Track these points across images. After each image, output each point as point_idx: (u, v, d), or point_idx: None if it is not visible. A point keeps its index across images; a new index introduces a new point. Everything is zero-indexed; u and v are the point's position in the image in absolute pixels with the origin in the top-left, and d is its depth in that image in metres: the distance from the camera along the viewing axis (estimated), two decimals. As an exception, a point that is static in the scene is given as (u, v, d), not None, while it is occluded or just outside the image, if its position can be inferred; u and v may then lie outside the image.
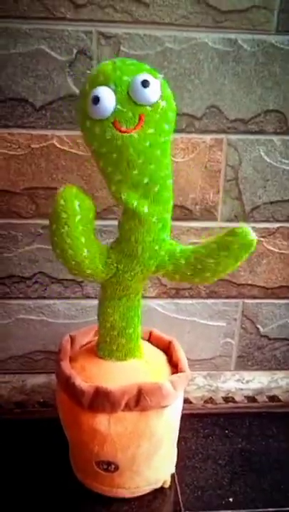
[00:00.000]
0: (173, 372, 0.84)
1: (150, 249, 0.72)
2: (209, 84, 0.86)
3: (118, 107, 0.64)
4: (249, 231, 0.68)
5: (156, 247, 0.72)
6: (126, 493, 0.85)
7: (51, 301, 1.00)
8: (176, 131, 0.87)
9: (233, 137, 0.90)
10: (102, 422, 0.76)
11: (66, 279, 0.98)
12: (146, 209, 0.68)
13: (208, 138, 0.90)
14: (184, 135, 0.89)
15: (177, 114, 0.81)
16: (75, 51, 0.83)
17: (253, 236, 0.68)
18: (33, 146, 0.88)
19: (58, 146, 0.88)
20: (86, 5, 0.81)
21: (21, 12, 0.80)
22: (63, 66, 0.83)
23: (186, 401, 1.01)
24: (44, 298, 1.00)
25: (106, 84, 0.64)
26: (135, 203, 0.68)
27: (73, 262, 0.70)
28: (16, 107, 0.85)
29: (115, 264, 0.74)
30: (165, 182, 0.69)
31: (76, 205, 0.66)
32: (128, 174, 0.67)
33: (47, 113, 0.86)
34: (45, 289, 0.99)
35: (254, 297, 1.03)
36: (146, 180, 0.67)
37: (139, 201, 0.68)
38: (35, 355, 1.04)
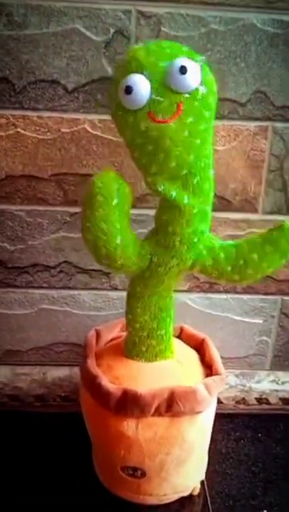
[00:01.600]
0: (206, 374, 0.87)
1: (188, 241, 0.74)
2: (256, 68, 0.90)
3: (153, 96, 0.64)
4: None
5: (195, 240, 0.74)
6: (152, 501, 0.88)
7: (76, 292, 1.07)
8: (218, 117, 0.89)
9: (279, 125, 0.94)
10: (129, 426, 0.79)
11: (93, 270, 1.04)
12: (186, 199, 0.70)
13: (252, 125, 0.94)
14: (226, 122, 0.94)
15: (220, 100, 0.85)
16: (112, 31, 0.87)
17: None
18: (63, 130, 0.93)
19: (90, 130, 0.93)
20: (125, -19, 0.84)
21: (56, -11, 0.84)
22: (99, 47, 0.88)
23: (217, 401, 1.00)
24: (69, 288, 1.06)
25: (139, 71, 0.65)
26: (174, 194, 0.70)
27: (104, 250, 0.71)
28: (47, 88, 0.90)
29: (149, 256, 0.76)
30: (205, 173, 0.70)
31: (114, 188, 0.69)
32: (165, 166, 0.68)
33: (79, 96, 0.91)
34: (70, 279, 1.05)
35: (294, 294, 1.08)
36: (184, 172, 0.69)
37: (178, 192, 0.70)
38: (57, 346, 1.11)
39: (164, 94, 0.65)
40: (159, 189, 0.70)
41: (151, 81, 0.65)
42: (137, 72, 0.65)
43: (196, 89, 0.65)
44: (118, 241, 0.71)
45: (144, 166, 0.70)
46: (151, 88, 0.65)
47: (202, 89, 0.66)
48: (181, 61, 0.64)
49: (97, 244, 0.71)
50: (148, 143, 0.67)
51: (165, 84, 0.65)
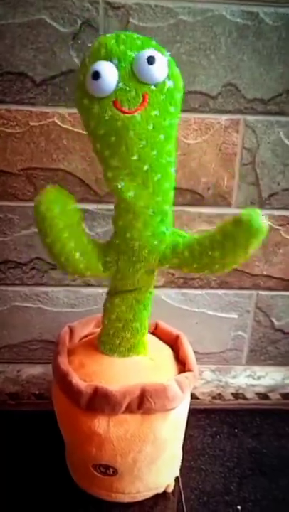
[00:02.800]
0: (180, 370, 0.86)
1: (149, 244, 0.74)
2: (226, 60, 0.89)
3: (120, 84, 0.64)
4: (256, 216, 0.66)
5: (156, 242, 0.74)
6: (125, 498, 0.88)
7: (49, 289, 1.05)
8: (189, 110, 0.91)
9: (250, 118, 0.93)
10: (100, 424, 0.78)
11: (66, 266, 1.03)
12: (142, 201, 0.70)
13: (223, 118, 0.93)
14: (197, 115, 0.92)
15: (190, 93, 0.84)
16: (79, 22, 0.85)
17: (261, 221, 0.66)
18: (32, 123, 0.91)
19: (60, 124, 0.92)
20: (92, -29, 0.83)
21: (21, -22, 0.83)
22: (66, 38, 0.86)
23: (193, 396, 1.04)
24: (41, 285, 1.05)
25: (108, 58, 0.64)
26: (132, 194, 0.69)
27: (70, 269, 0.73)
28: (14, 81, 0.89)
29: (115, 262, 0.77)
30: (167, 170, 0.70)
31: (57, 212, 0.67)
32: (127, 160, 0.67)
33: (48, 89, 0.89)
34: (43, 276, 1.04)
35: (269, 289, 1.08)
36: (146, 168, 0.68)
37: (136, 192, 0.69)
38: (31, 344, 1.10)
39: (131, 84, 0.65)
40: (119, 186, 0.69)
41: (119, 69, 0.64)
42: (105, 59, 0.65)
43: (163, 82, 0.65)
44: (77, 257, 0.72)
45: (105, 159, 0.69)
46: (119, 76, 0.65)
47: (169, 83, 0.66)
48: (150, 52, 0.64)
49: (59, 262, 0.73)
50: (111, 134, 0.67)
51: (132, 74, 0.65)
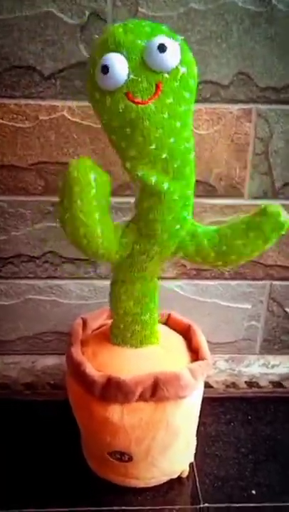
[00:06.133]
0: (193, 359, 0.85)
1: (170, 228, 0.72)
2: (238, 48, 0.85)
3: (131, 76, 0.62)
4: (281, 211, 0.68)
5: (177, 227, 0.72)
6: (140, 484, 0.88)
7: (62, 282, 1.03)
8: (200, 100, 0.88)
9: (263, 107, 0.90)
10: (114, 412, 0.78)
11: (78, 259, 1.01)
12: (166, 185, 0.67)
13: (235, 108, 0.90)
14: (208, 105, 0.89)
15: (201, 82, 0.80)
16: (87, 14, 0.82)
17: (286, 217, 0.68)
18: (41, 117, 0.88)
19: (69, 117, 0.89)
20: None
21: None
22: (74, 30, 0.83)
23: (207, 385, 1.01)
24: (55, 278, 1.03)
25: (117, 50, 0.62)
26: (154, 179, 0.66)
27: (85, 241, 0.68)
28: (23, 75, 0.85)
29: (131, 245, 0.74)
30: (186, 156, 0.67)
31: (91, 177, 0.65)
32: (144, 149, 0.65)
33: (57, 82, 0.86)
34: (56, 269, 1.02)
35: (283, 279, 1.05)
36: (164, 155, 0.65)
37: (158, 177, 0.67)
38: (46, 335, 1.08)
39: (143, 74, 0.62)
40: (139, 174, 0.67)
41: (129, 60, 0.61)
42: (114, 51, 0.62)
43: (176, 69, 0.62)
44: (99, 231, 0.68)
45: (122, 150, 0.67)
46: (129, 68, 0.62)
47: (182, 69, 0.62)
48: (160, 39, 0.61)
49: (77, 234, 0.67)
50: (126, 125, 0.64)
51: (144, 64, 0.62)
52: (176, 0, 0.81)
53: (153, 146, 0.64)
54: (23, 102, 0.87)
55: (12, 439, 1.01)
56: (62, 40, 0.83)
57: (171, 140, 0.65)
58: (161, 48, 0.60)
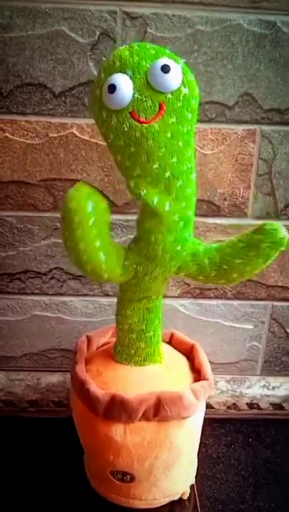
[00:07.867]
0: (195, 379, 0.81)
1: (171, 249, 0.69)
2: (243, 70, 0.82)
3: (136, 95, 0.60)
4: (279, 228, 0.65)
5: (178, 248, 0.69)
6: (142, 505, 0.83)
7: (68, 298, 0.98)
8: (206, 121, 0.85)
9: (267, 128, 0.86)
10: (117, 431, 0.74)
11: (84, 276, 0.95)
12: (167, 207, 0.65)
13: (240, 129, 0.86)
14: (213, 125, 0.85)
15: (207, 103, 0.77)
16: (97, 33, 0.79)
17: (284, 233, 0.64)
18: (51, 134, 0.85)
19: (78, 135, 0.85)
20: (110, -18, 0.77)
21: (41, -10, 0.77)
22: (85, 49, 0.80)
23: (208, 406, 0.97)
24: (61, 294, 0.98)
25: (123, 71, 0.61)
26: (156, 200, 0.64)
27: (89, 268, 0.67)
28: (34, 92, 0.83)
29: (134, 267, 0.71)
30: (188, 176, 0.65)
31: (89, 207, 0.63)
32: (148, 168, 0.63)
33: (67, 100, 0.83)
34: (62, 286, 0.97)
35: (284, 299, 0.99)
36: (167, 175, 0.63)
37: (160, 198, 0.64)
38: (51, 353, 1.03)
39: (147, 94, 0.61)
40: (142, 193, 0.64)
41: (134, 80, 0.60)
42: (120, 71, 0.61)
43: (179, 89, 0.61)
44: (101, 258, 0.67)
45: (127, 169, 0.65)
46: (134, 88, 0.61)
47: (184, 90, 0.62)
48: (164, 61, 0.61)
49: (80, 261, 0.67)
50: (131, 144, 0.62)
51: (148, 84, 0.61)
52: (184, 21, 0.79)
53: (156, 165, 0.63)
54: (33, 118, 0.84)
55: (15, 456, 0.96)
56: (72, 58, 0.81)
57: (174, 160, 0.63)
58: (165, 68, 0.60)
